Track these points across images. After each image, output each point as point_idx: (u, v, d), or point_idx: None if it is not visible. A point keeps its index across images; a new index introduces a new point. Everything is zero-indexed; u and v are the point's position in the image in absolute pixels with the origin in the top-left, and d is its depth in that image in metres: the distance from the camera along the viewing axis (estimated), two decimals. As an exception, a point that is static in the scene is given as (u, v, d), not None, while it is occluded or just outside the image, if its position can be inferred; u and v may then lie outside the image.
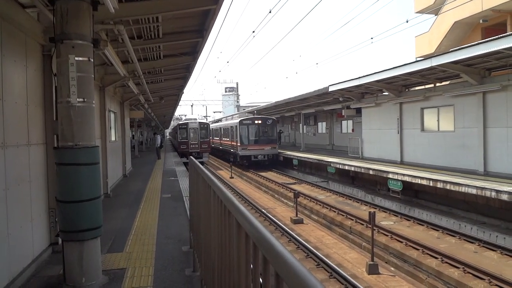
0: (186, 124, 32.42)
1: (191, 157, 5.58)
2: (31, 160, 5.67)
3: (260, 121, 30.00)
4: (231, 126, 32.06)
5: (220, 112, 72.17)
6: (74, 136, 4.60)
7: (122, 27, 6.76)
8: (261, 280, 1.52)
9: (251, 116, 32.78)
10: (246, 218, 1.75)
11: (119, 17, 6.40)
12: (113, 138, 14.46)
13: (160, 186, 14.18)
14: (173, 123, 66.17)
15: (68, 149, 4.61)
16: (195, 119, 37.43)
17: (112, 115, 14.60)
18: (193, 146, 31.13)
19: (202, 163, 28.48)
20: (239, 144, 29.43)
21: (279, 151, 30.02)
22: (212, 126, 41.61)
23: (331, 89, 21.08)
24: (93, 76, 4.86)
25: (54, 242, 6.30)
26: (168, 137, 75.44)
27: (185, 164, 23.86)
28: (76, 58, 4.53)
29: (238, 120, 30.37)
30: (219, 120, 48.73)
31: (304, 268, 1.11)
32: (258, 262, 1.60)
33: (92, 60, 4.75)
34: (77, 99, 4.57)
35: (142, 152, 35.93)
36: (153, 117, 36.41)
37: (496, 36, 11.53)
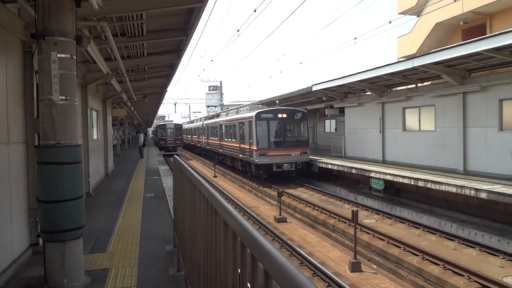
0: (165, 125, 44.41)
1: (175, 156, 5.62)
2: (11, 159, 5.54)
3: (285, 114, 21.18)
4: (241, 122, 23.30)
5: (200, 112, 71.00)
6: (56, 135, 4.52)
7: (106, 24, 6.67)
8: (249, 278, 1.53)
9: (271, 107, 22.95)
10: (234, 217, 1.75)
11: (102, 13, 6.31)
12: (95, 137, 14.26)
13: (143, 185, 14.05)
14: (156, 122, 67.30)
15: (50, 147, 4.52)
16: (172, 121, 49.40)
17: (94, 113, 14.39)
18: (170, 141, 42.30)
19: (177, 155, 35.86)
20: (255, 148, 20.53)
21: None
22: (205, 123, 36.62)
23: (314, 88, 21.23)
24: (75, 73, 4.78)
25: (35, 242, 6.18)
26: (151, 135, 75.21)
27: (164, 155, 33.06)
28: (59, 55, 4.45)
29: (253, 113, 21.07)
30: (213, 116, 39.43)
31: (293, 267, 1.12)
32: (246, 261, 1.60)
33: (75, 57, 4.68)
34: (60, 97, 4.49)
35: (125, 151, 35.52)
36: (136, 116, 36.07)
37: (476, 38, 11.78)
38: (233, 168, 27.13)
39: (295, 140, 21.12)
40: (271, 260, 1.23)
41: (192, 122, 55.61)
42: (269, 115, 21.11)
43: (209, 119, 38.70)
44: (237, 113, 26.57)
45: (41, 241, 5.48)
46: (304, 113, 21.78)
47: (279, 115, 21.10)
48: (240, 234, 1.64)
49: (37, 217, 5.80)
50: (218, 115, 36.94)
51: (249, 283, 1.54)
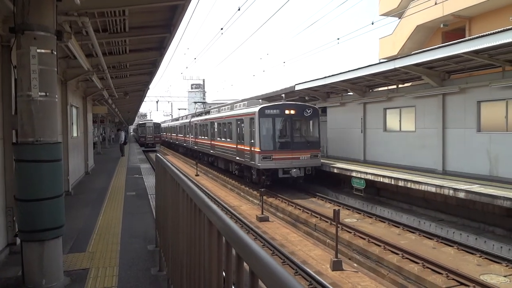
0: (145, 124, 49.89)
1: (157, 154, 5.56)
2: (-12, 156, 5.40)
3: (293, 111, 18.26)
4: (239, 120, 20.44)
5: (185, 109, 69.47)
6: (35, 132, 4.42)
7: (87, 19, 6.54)
8: (234, 277, 1.52)
9: (276, 102, 19.76)
10: (219, 216, 1.74)
11: (84, 9, 6.19)
12: (74, 134, 14.02)
13: (124, 184, 13.88)
14: (137, 120, 67.84)
15: (29, 145, 4.42)
16: (151, 120, 55.57)
17: (74, 110, 14.15)
18: (149, 139, 47.34)
19: (154, 150, 42.86)
20: (257, 150, 17.66)
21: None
22: (193, 120, 33.87)
23: (297, 88, 21.33)
24: (56, 69, 4.68)
25: (12, 242, 6.03)
26: (132, 133, 74.91)
27: (144, 151, 36.19)
28: (38, 50, 4.34)
29: (256, 109, 18.17)
30: (202, 113, 36.68)
31: (280, 266, 1.11)
32: (230, 260, 1.59)
33: (55, 52, 4.58)
34: (39, 93, 4.38)
35: (105, 148, 35.01)
36: (117, 113, 35.61)
37: (456, 41, 12.03)
38: (225, 171, 24.25)
39: (304, 141, 18.30)
40: (257, 260, 1.22)
41: (176, 119, 53.58)
42: (274, 111, 18.12)
43: (197, 116, 35.86)
44: (232, 109, 23.90)
45: (18, 240, 5.34)
46: (315, 110, 18.92)
47: (286, 111, 18.13)
48: (225, 233, 1.63)
49: (15, 216, 5.67)
50: (208, 112, 34.50)
51: (234, 282, 1.53)
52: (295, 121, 18.48)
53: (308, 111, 18.53)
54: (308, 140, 18.42)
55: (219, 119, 24.82)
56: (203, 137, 29.33)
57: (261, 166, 17.58)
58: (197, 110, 45.83)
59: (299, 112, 18.36)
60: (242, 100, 24.81)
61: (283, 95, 20.82)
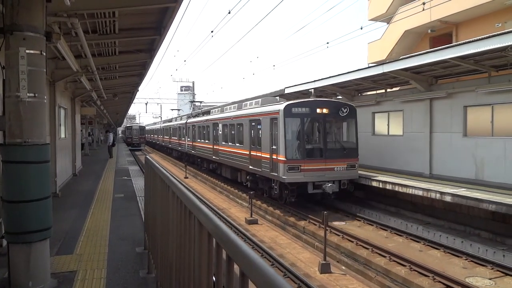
0: (131, 126, 59.42)
1: (147, 156, 5.56)
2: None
3: (326, 109, 14.93)
4: (254, 120, 17.05)
5: (180, 110, 68.57)
6: (23, 133, 4.38)
7: (77, 20, 6.52)
8: (224, 278, 1.54)
9: (305, 99, 15.87)
10: (209, 218, 1.76)
11: (73, 10, 6.17)
12: (62, 135, 13.90)
13: (112, 186, 13.78)
14: (126, 122, 69.58)
15: (17, 146, 4.38)
16: (138, 123, 73.42)
17: (62, 111, 14.03)
18: (135, 139, 54.35)
19: (140, 149, 51.52)
20: (282, 159, 14.20)
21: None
22: (190, 122, 30.58)
23: (287, 91, 21.40)
24: (45, 70, 4.65)
25: (-2, 244, 5.96)
26: (120, 135, 75.67)
27: (130, 150, 43.24)
28: (27, 51, 4.32)
29: (281, 106, 14.74)
30: (199, 114, 33.34)
31: (269, 267, 1.14)
32: (221, 261, 1.61)
33: (44, 53, 4.55)
34: (28, 94, 4.35)
35: (93, 150, 34.68)
36: (105, 114, 35.34)
37: (443, 46, 12.22)
38: (229, 180, 21.56)
39: (340, 148, 15.11)
40: (247, 261, 1.24)
41: (169, 120, 50.05)
42: (303, 109, 14.70)
43: (194, 117, 32.34)
44: (241, 108, 20.58)
45: (5, 242, 5.28)
46: (352, 108, 15.47)
47: (318, 110, 14.77)
48: (216, 235, 1.65)
49: (1, 217, 5.59)
50: (208, 112, 30.69)
51: (224, 284, 1.55)
52: (328, 123, 15.14)
53: (344, 110, 15.19)
54: (344, 146, 15.19)
55: (225, 120, 21.32)
56: (203, 141, 25.99)
57: (287, 179, 14.10)
58: (193, 111, 41.39)
59: (333, 111, 15.04)
60: (253, 98, 21.98)
61: (312, 90, 16.81)
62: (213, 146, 23.30)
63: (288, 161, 14.07)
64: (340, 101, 17.59)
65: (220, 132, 21.99)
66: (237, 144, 19.08)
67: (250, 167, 17.27)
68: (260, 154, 16.18)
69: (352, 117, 15.43)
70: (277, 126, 14.61)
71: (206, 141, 24.97)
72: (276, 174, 14.61)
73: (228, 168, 21.25)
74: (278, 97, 18.74)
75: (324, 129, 14.80)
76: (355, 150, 15.21)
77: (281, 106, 14.72)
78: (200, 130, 26.88)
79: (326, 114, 14.88)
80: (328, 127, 15.10)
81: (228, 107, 23.57)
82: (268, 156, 15.29)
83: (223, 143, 21.34)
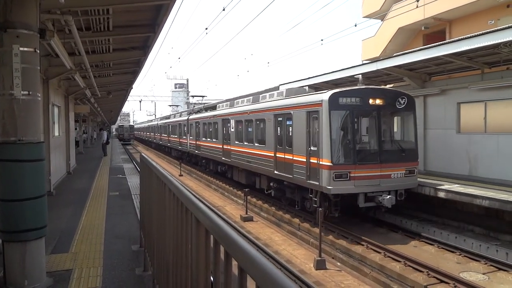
0: (123, 125, 76.17)
1: (142, 154, 5.56)
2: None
3: (380, 100, 11.83)
4: (282, 115, 14.03)
5: (178, 106, 69.26)
6: (17, 131, 4.36)
7: (71, 17, 6.48)
8: (222, 275, 1.55)
9: (353, 87, 12.59)
10: (207, 215, 1.76)
11: (67, 7, 6.13)
12: (56, 133, 13.83)
13: (107, 184, 13.73)
14: (120, 119, 74.28)
15: (11, 144, 4.36)
16: (129, 121, 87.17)
17: (56, 109, 13.95)
18: (126, 135, 67.35)
19: (129, 144, 64.14)
20: (326, 164, 11.22)
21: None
22: (192, 118, 27.79)
23: (281, 88, 21.39)
24: (39, 68, 4.63)
25: (-8, 243, 5.93)
26: (114, 133, 78.59)
27: (123, 145, 51.52)
28: (21, 49, 4.30)
29: (325, 96, 11.47)
30: (202, 110, 30.50)
31: (267, 262, 1.15)
32: (219, 258, 1.62)
33: (38, 51, 4.53)
34: (22, 92, 4.33)
35: (87, 148, 34.52)
36: (99, 112, 35.18)
37: (436, 43, 12.27)
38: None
39: (397, 149, 12.05)
40: (246, 257, 1.25)
41: (167, 117, 46.16)
42: (353, 100, 11.53)
43: (196, 113, 29.36)
44: (255, 101, 17.65)
45: (0, 241, 5.26)
46: (410, 99, 12.37)
47: (371, 101, 11.71)
48: (213, 231, 1.66)
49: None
50: (214, 107, 26.62)
51: (222, 280, 1.56)
52: (383, 117, 12.17)
53: (402, 101, 12.08)
54: (402, 147, 12.09)
55: (239, 115, 18.28)
56: (209, 140, 22.97)
57: (332, 190, 11.06)
58: (195, 107, 36.70)
59: (389, 103, 11.98)
60: (272, 89, 19.56)
61: (360, 76, 13.06)
62: (222, 146, 20.41)
63: (335, 167, 11.07)
64: (395, 89, 14.99)
65: (232, 130, 19.08)
66: (256, 144, 16.36)
67: (276, 172, 14.33)
68: (290, 157, 13.22)
69: (410, 110, 12.40)
70: (318, 122, 11.63)
71: (214, 140, 21.99)
72: (317, 183, 11.56)
73: (242, 172, 18.39)
74: (306, 87, 15.94)
75: (379, 125, 11.89)
76: (415, 152, 12.35)
77: (324, 96, 11.52)
78: (206, 128, 23.88)
79: (380, 106, 11.83)
80: (383, 122, 12.17)
81: (239, 100, 20.38)
82: (304, 160, 12.31)
83: (236, 142, 18.50)
